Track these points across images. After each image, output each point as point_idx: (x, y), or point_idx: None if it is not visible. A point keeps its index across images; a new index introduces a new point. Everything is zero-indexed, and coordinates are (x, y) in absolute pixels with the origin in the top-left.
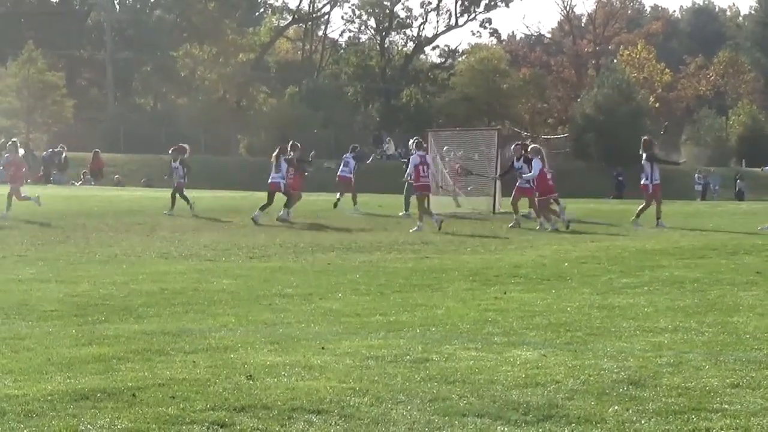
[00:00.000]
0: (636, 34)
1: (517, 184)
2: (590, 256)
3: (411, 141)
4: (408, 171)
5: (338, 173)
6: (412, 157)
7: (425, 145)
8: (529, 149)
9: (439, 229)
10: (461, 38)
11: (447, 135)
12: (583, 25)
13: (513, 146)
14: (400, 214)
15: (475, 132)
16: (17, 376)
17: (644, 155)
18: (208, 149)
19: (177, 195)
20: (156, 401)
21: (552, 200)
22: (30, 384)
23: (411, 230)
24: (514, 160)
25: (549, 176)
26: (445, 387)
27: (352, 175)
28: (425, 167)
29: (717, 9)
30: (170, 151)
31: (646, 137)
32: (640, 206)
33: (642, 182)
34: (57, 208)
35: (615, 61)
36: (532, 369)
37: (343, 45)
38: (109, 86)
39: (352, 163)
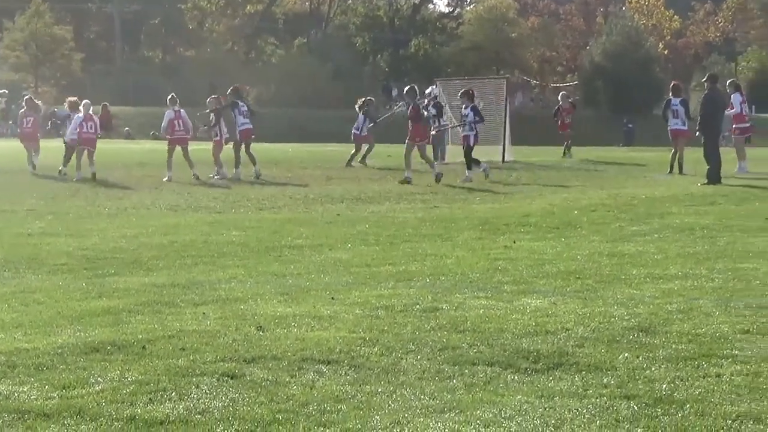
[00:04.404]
0: None
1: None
2: (599, 204)
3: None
4: (163, 125)
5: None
6: (167, 112)
7: (177, 101)
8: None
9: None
10: None
11: (456, 84)
12: None
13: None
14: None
15: (484, 80)
16: (27, 329)
17: (678, 99)
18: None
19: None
20: (166, 353)
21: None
22: (40, 337)
23: (163, 179)
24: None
25: (90, 129)
26: (455, 336)
27: (358, 132)
28: (180, 121)
29: None
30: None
31: (676, 82)
32: (677, 154)
33: (678, 127)
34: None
35: (623, 8)
36: (542, 317)
37: None
38: (117, 39)
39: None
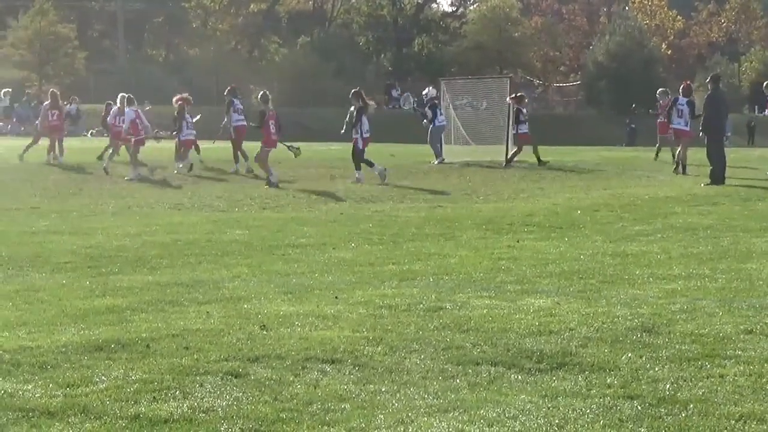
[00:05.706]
0: None
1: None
2: (603, 204)
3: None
4: (125, 127)
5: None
6: (127, 111)
7: (135, 101)
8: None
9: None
10: None
11: (460, 84)
12: None
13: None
14: (433, 162)
15: (487, 80)
16: (31, 327)
17: (685, 99)
18: (221, 100)
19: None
20: (170, 352)
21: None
22: (44, 336)
23: (126, 178)
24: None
25: (120, 123)
26: (459, 335)
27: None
28: (140, 121)
29: None
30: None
31: (688, 82)
32: (679, 150)
33: (681, 126)
34: (70, 160)
35: (627, 8)
36: (546, 317)
37: None
38: (121, 38)
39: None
